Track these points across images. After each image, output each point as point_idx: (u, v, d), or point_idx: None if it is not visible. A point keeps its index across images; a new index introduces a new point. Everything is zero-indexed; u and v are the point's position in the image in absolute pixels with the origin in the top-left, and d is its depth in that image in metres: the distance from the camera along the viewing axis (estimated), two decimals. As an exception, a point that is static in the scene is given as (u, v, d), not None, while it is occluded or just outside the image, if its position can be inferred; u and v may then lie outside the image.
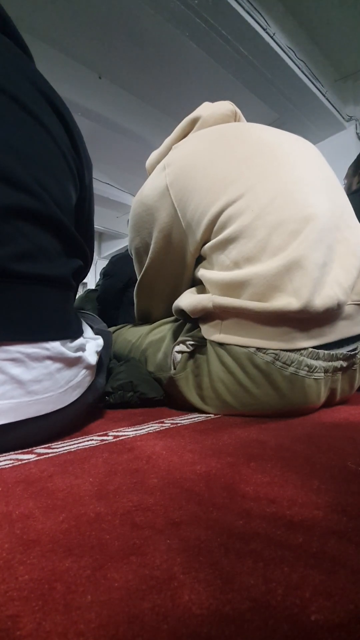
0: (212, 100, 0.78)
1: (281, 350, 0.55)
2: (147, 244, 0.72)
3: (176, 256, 0.69)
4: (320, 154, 0.71)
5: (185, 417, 0.59)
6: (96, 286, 1.70)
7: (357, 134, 3.52)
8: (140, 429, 0.50)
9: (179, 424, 0.53)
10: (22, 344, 0.39)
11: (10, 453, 0.40)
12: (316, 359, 0.56)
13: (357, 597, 0.17)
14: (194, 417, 0.59)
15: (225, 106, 0.75)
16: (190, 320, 0.69)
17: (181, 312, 0.68)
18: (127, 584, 0.18)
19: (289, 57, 2.75)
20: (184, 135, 0.76)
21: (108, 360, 0.67)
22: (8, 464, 0.36)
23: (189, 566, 0.19)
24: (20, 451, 0.41)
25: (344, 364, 0.60)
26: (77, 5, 2.43)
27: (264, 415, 0.59)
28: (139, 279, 0.79)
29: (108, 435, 0.47)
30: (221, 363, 0.58)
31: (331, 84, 3.30)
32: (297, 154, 0.64)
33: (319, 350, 0.56)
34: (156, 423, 0.54)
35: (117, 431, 0.49)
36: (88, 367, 0.50)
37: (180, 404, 0.66)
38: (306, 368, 0.55)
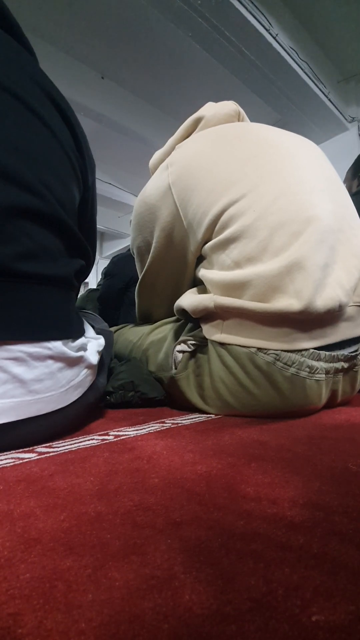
0: (215, 101, 0.78)
1: (282, 350, 0.55)
2: (149, 243, 0.72)
3: (177, 255, 0.69)
4: (324, 155, 0.71)
5: (186, 417, 0.59)
6: (97, 286, 1.70)
7: (359, 135, 3.52)
8: (141, 429, 0.50)
9: (179, 424, 0.53)
10: (24, 343, 0.39)
11: (12, 452, 0.41)
12: (317, 360, 0.56)
13: (357, 598, 0.17)
14: (195, 417, 0.59)
15: (229, 106, 0.75)
16: (192, 320, 0.69)
17: (182, 312, 0.68)
18: (127, 583, 0.18)
19: (292, 58, 2.75)
20: (187, 135, 0.76)
21: (109, 360, 0.68)
22: (9, 463, 0.37)
23: (190, 566, 0.19)
24: (21, 450, 0.41)
25: (345, 365, 0.59)
26: (80, 5, 2.43)
27: (265, 416, 0.59)
28: (140, 278, 0.79)
29: (109, 435, 0.47)
30: (222, 363, 0.58)
31: (334, 85, 3.29)
32: (300, 155, 0.64)
33: (320, 352, 0.56)
34: (157, 423, 0.54)
35: (118, 431, 0.49)
36: (89, 366, 0.50)
37: (181, 404, 0.66)
38: (307, 369, 0.55)
